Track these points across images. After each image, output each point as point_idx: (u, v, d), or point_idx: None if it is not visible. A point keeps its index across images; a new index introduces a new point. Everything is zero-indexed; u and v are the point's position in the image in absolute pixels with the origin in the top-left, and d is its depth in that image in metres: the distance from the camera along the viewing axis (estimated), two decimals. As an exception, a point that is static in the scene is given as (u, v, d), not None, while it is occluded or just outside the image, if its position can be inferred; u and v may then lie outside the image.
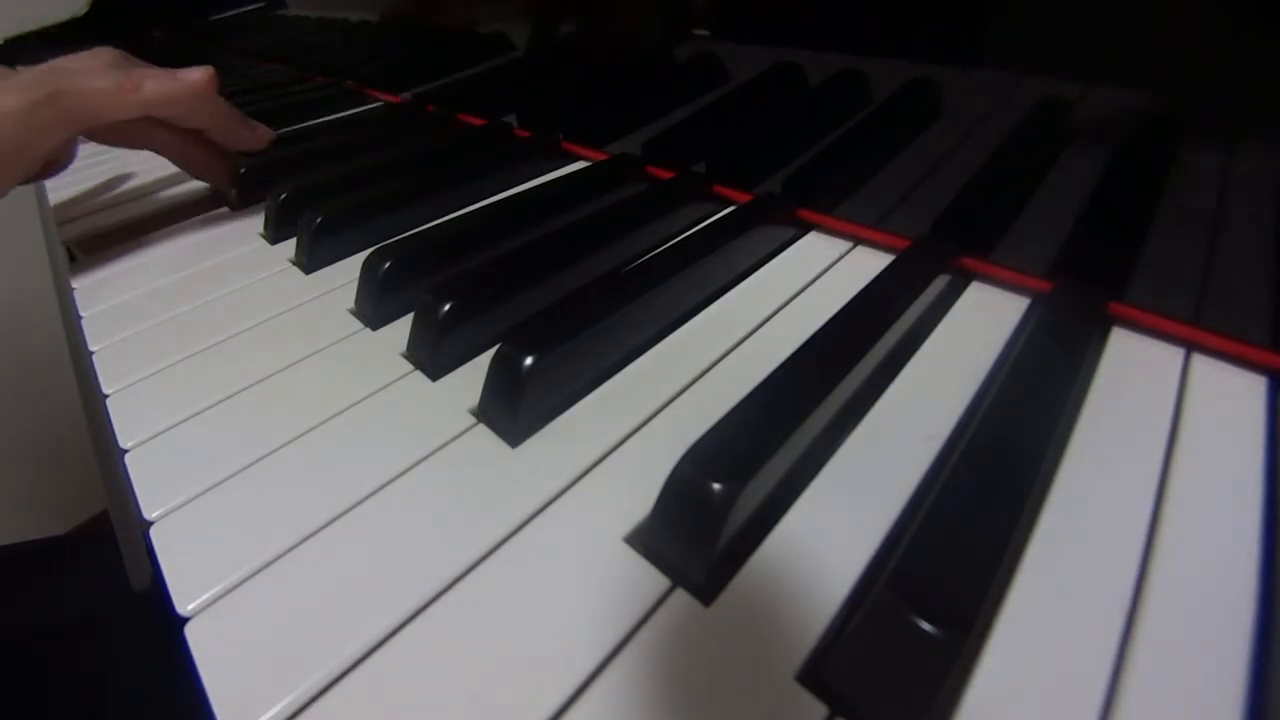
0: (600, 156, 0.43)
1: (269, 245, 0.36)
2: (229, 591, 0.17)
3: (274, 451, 0.22)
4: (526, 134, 0.47)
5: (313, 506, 0.19)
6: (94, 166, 0.52)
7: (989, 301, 0.27)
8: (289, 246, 0.35)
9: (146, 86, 0.33)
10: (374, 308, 0.28)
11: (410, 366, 0.25)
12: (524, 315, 0.27)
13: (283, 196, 0.37)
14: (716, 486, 0.16)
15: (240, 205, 0.41)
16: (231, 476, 0.21)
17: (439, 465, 0.21)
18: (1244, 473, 0.19)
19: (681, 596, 0.16)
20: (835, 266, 0.30)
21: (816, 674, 0.15)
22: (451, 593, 0.17)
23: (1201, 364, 0.22)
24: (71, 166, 0.39)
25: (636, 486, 0.19)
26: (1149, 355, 0.23)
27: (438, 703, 0.15)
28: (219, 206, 0.42)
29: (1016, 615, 0.15)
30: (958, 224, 0.28)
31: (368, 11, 0.69)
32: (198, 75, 0.35)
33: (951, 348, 0.24)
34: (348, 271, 0.32)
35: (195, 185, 0.46)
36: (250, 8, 0.96)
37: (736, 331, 0.26)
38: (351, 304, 0.30)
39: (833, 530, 0.18)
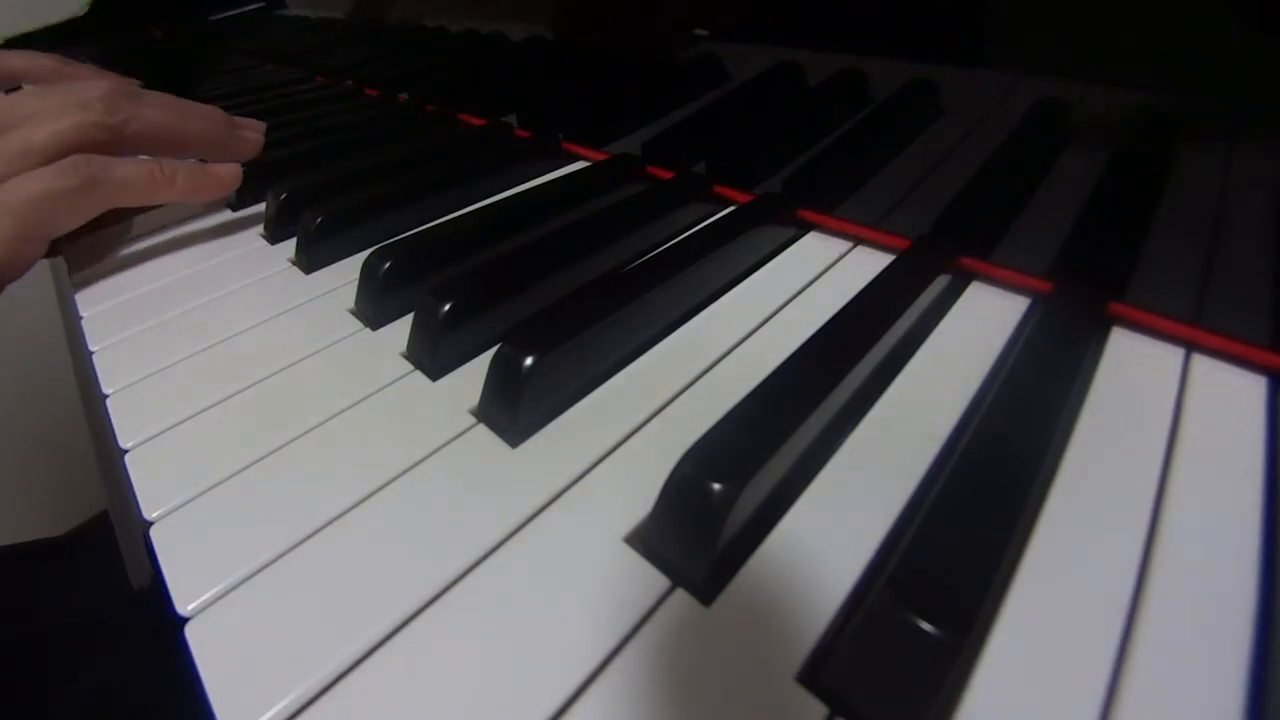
0: (600, 156, 0.43)
1: (269, 245, 0.36)
2: (229, 592, 0.17)
3: (274, 452, 0.22)
4: (526, 134, 0.47)
5: (313, 507, 0.19)
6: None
7: (989, 301, 0.27)
8: (289, 246, 0.35)
9: (179, 182, 0.34)
10: (374, 308, 0.28)
11: (410, 366, 0.25)
12: (524, 315, 0.27)
13: (283, 196, 0.37)
14: (716, 487, 0.16)
15: (240, 205, 0.41)
16: (231, 477, 0.21)
17: (439, 465, 0.21)
18: (1244, 473, 0.19)
19: (681, 597, 0.16)
20: (835, 266, 0.30)
21: (817, 674, 0.15)
22: (452, 593, 0.17)
23: (1201, 364, 0.22)
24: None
25: (636, 486, 0.19)
26: (1149, 355, 0.23)
27: (438, 702, 0.15)
28: (219, 206, 0.42)
29: (1016, 615, 0.15)
30: (958, 224, 0.28)
31: (367, 11, 0.69)
32: (227, 174, 0.36)
33: (951, 348, 0.24)
34: (348, 271, 0.32)
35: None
36: (250, 8, 0.96)
37: (737, 331, 0.26)
38: (351, 304, 0.30)
39: (833, 530, 0.18)
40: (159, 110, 0.35)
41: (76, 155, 0.31)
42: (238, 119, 0.40)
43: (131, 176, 0.32)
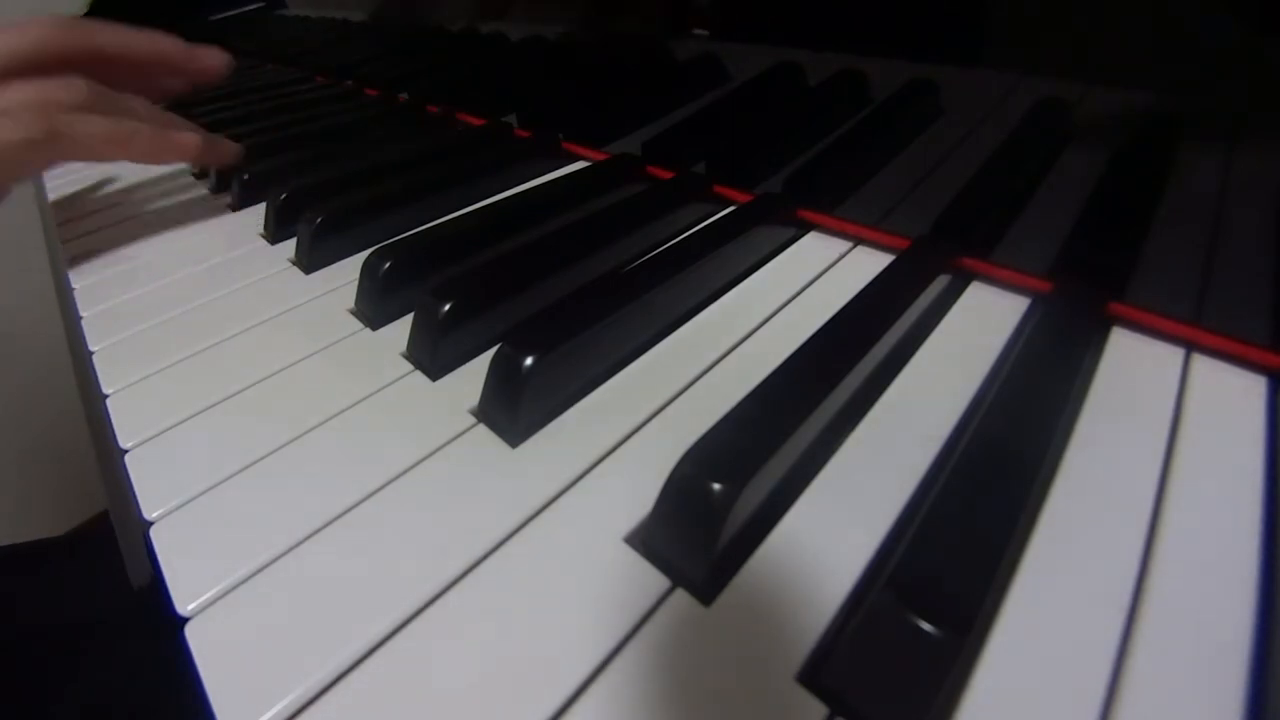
0: (600, 156, 0.43)
1: (269, 245, 0.36)
2: (229, 592, 0.17)
3: (274, 452, 0.22)
4: (526, 134, 0.47)
5: (313, 506, 0.19)
6: (93, 166, 0.52)
7: (989, 301, 0.27)
8: (289, 246, 0.35)
9: (139, 144, 0.34)
10: (374, 308, 0.28)
11: (410, 366, 0.25)
12: (524, 315, 0.27)
13: (283, 196, 0.37)
14: (716, 487, 0.16)
15: (240, 205, 0.41)
16: (231, 477, 0.21)
17: (439, 465, 0.21)
18: (1244, 473, 0.19)
19: (681, 596, 0.16)
20: (835, 266, 0.30)
21: (817, 674, 0.15)
22: (451, 593, 0.17)
23: (1201, 364, 0.22)
24: (71, 166, 0.39)
25: (636, 486, 0.19)
26: (1149, 355, 0.23)
27: (438, 702, 0.15)
28: (219, 207, 0.42)
29: (1016, 615, 0.15)
30: (958, 224, 0.28)
31: (367, 12, 0.69)
32: (189, 141, 0.36)
33: (951, 348, 0.24)
34: (348, 271, 0.32)
35: (195, 185, 0.46)
36: (250, 8, 0.96)
37: (736, 331, 0.26)
38: (351, 304, 0.30)
39: (833, 530, 0.18)
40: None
41: (35, 102, 0.31)
42: (196, 50, 0.40)
43: (91, 133, 0.32)
